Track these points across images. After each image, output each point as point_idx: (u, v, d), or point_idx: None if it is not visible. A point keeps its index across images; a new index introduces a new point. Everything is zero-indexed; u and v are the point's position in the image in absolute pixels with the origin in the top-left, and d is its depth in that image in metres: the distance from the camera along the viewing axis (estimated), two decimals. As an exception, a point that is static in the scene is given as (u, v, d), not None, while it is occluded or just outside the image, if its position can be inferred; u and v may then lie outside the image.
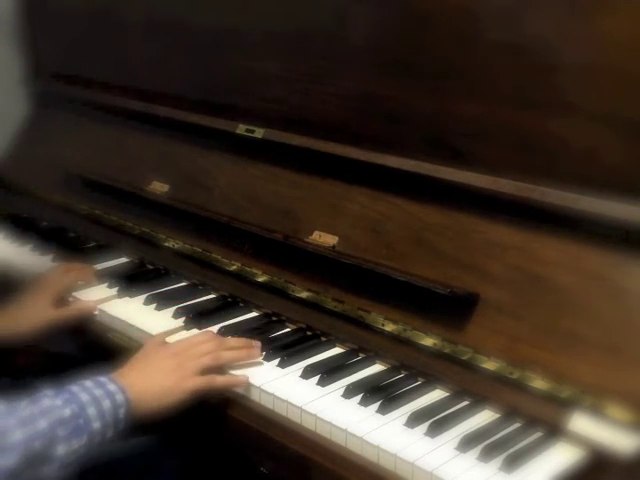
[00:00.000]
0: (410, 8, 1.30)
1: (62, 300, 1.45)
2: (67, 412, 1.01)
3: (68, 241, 1.74)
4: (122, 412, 1.07)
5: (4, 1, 2.06)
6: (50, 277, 1.50)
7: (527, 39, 1.16)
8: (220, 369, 1.21)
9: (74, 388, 1.06)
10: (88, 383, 1.07)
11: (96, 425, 1.04)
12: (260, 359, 1.24)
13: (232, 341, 1.27)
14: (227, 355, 1.22)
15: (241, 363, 1.23)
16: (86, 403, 1.04)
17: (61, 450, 1.00)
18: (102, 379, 1.09)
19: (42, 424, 0.98)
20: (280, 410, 1.15)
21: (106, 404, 1.06)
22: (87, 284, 1.51)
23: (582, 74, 1.11)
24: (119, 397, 1.07)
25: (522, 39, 1.17)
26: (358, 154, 1.38)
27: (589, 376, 1.05)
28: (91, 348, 1.43)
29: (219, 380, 1.20)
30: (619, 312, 1.07)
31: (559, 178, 1.14)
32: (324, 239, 1.39)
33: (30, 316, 1.40)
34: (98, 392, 1.06)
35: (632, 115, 1.07)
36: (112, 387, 1.08)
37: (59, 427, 1.00)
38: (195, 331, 1.34)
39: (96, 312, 1.43)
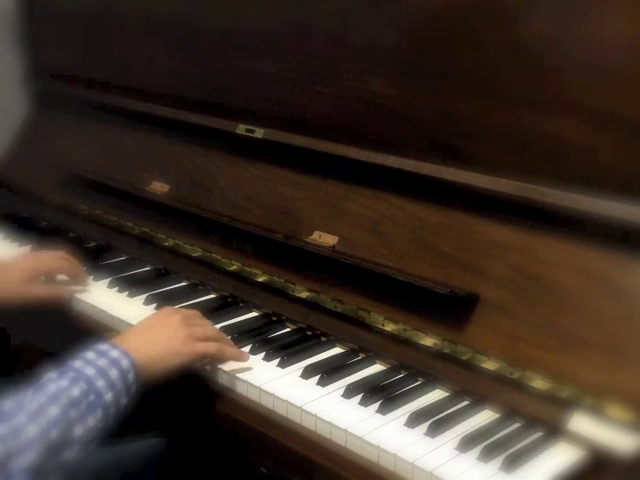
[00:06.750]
0: (410, 8, 1.30)
1: (38, 281, 1.44)
2: (76, 392, 0.99)
3: (68, 241, 1.74)
4: (131, 376, 1.06)
5: (4, 1, 2.06)
6: (37, 256, 1.49)
7: (527, 39, 1.16)
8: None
9: (77, 364, 1.03)
10: (90, 355, 1.05)
11: (108, 397, 1.02)
12: (260, 359, 1.25)
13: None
14: (228, 341, 1.26)
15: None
16: (93, 377, 1.02)
17: (79, 431, 0.98)
18: (103, 347, 1.07)
19: (54, 411, 0.96)
20: (280, 410, 1.14)
21: (113, 373, 1.04)
22: (79, 283, 1.50)
23: (582, 74, 1.11)
24: (124, 362, 1.06)
25: (522, 39, 1.17)
26: (358, 154, 1.38)
27: (589, 376, 1.05)
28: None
29: (228, 350, 1.22)
30: (619, 312, 1.07)
31: (559, 178, 1.14)
32: (324, 239, 1.39)
33: (1, 285, 1.39)
34: (102, 362, 1.04)
35: (632, 115, 1.07)
36: (115, 353, 1.06)
37: (71, 409, 0.97)
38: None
39: (68, 297, 1.43)
